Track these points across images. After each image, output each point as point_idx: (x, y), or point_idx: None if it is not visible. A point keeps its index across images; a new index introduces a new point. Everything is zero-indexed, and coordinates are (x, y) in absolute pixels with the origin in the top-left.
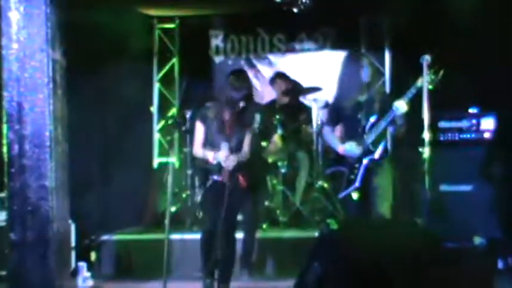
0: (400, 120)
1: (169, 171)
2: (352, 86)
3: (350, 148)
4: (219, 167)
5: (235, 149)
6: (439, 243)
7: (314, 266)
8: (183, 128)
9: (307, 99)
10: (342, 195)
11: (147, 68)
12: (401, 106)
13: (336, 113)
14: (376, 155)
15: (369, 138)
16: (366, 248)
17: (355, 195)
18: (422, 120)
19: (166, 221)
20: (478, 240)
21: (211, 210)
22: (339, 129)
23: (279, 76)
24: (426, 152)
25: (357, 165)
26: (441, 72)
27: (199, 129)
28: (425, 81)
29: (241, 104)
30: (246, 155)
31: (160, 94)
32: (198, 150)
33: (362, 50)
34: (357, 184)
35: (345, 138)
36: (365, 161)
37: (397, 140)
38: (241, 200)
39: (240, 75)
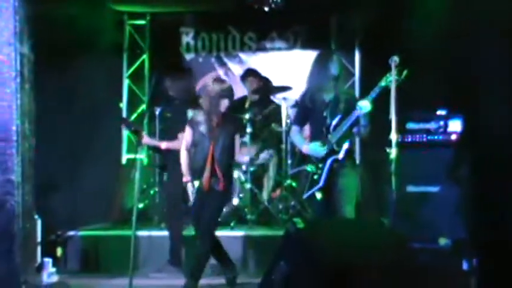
0: (364, 120)
1: (137, 168)
2: (319, 85)
3: (314, 148)
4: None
5: (220, 153)
6: (405, 244)
7: (280, 265)
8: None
9: (277, 98)
10: (306, 195)
11: (116, 63)
12: (365, 105)
13: (303, 112)
14: (340, 155)
15: (333, 138)
16: (332, 247)
17: (319, 195)
18: (389, 121)
19: (133, 218)
20: (443, 241)
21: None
22: (307, 128)
23: (250, 73)
24: (393, 153)
25: (321, 165)
26: (404, 72)
27: (188, 133)
28: (393, 82)
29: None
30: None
31: (130, 90)
32: (183, 155)
33: (332, 49)
34: (320, 184)
35: (312, 137)
36: (329, 161)
37: (363, 141)
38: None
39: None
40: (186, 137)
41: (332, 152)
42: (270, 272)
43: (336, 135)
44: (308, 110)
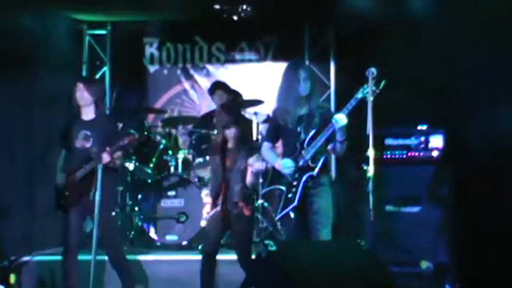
0: (340, 135)
1: (97, 189)
2: (291, 99)
3: (286, 164)
4: None
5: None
6: (384, 267)
7: None
8: None
9: (247, 113)
10: (280, 215)
11: (75, 76)
12: (340, 119)
13: (275, 128)
14: (315, 171)
15: (308, 154)
16: (306, 271)
17: (293, 215)
18: (366, 137)
19: (94, 241)
20: (425, 264)
21: None
22: (280, 145)
23: (219, 86)
24: (370, 170)
25: (295, 183)
26: (382, 83)
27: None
28: (370, 96)
29: None
30: None
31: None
32: None
33: (306, 62)
34: (295, 203)
35: (285, 154)
36: (304, 178)
37: (339, 157)
38: None
39: None
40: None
41: (307, 168)
42: None
43: (310, 151)
44: (280, 126)
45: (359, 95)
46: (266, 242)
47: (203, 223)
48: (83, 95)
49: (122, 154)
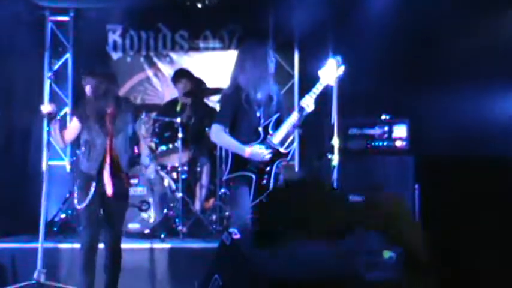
0: (299, 120)
1: (44, 176)
2: (260, 79)
3: (259, 151)
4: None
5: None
6: (348, 256)
7: (215, 279)
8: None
9: (211, 101)
10: (253, 202)
11: (37, 63)
12: (308, 105)
13: (234, 108)
14: (287, 157)
15: (277, 139)
16: (272, 260)
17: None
18: (331, 126)
19: (41, 228)
20: (387, 254)
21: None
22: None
23: (182, 74)
24: (335, 159)
25: (268, 169)
26: (341, 68)
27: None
28: (335, 85)
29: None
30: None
31: (52, 92)
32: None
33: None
34: (270, 189)
35: (245, 139)
36: (275, 165)
37: (303, 145)
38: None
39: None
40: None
41: (278, 154)
42: (203, 286)
43: (279, 137)
44: (240, 107)
45: (323, 82)
46: (231, 229)
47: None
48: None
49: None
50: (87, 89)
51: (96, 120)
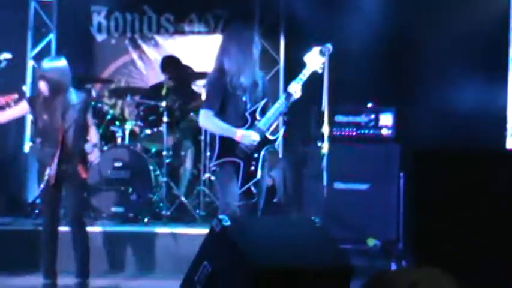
0: (286, 107)
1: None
2: (247, 64)
3: (251, 136)
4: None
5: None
6: (337, 244)
7: (204, 265)
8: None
9: (196, 85)
10: (242, 188)
11: (19, 43)
12: (296, 91)
13: (221, 94)
14: (274, 143)
15: (265, 125)
16: (260, 246)
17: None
18: (321, 113)
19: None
20: (372, 242)
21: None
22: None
23: (170, 60)
24: (325, 147)
25: (255, 155)
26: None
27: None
28: (326, 72)
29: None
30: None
31: (35, 72)
32: None
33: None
34: (258, 176)
35: (230, 123)
36: (263, 151)
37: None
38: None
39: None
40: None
41: (266, 140)
42: (192, 273)
43: (266, 122)
44: (227, 92)
45: (311, 68)
46: (220, 216)
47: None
48: None
49: None
50: (42, 84)
51: (49, 112)
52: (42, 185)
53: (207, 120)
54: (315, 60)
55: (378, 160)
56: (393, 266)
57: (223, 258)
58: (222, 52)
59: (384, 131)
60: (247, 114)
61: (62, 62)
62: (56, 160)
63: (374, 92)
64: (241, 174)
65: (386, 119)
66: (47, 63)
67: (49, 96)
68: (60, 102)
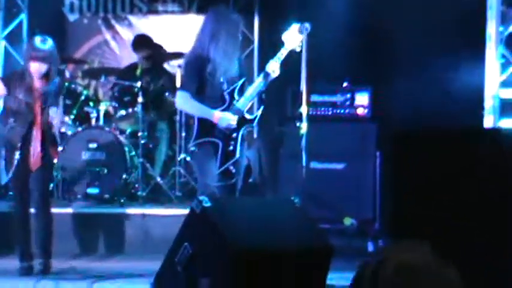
0: (264, 85)
1: None
2: (230, 48)
3: (229, 117)
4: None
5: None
6: (316, 224)
7: (184, 246)
8: None
9: (170, 65)
10: (221, 169)
11: None
12: (275, 70)
13: (199, 76)
14: (253, 123)
15: (243, 105)
16: (240, 227)
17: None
18: (299, 93)
19: None
20: (348, 221)
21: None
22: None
23: (141, 39)
24: (304, 127)
25: (234, 135)
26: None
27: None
28: (304, 51)
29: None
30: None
31: (6, 53)
32: None
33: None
34: (237, 156)
35: (209, 104)
36: (242, 131)
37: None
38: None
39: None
40: None
41: (244, 120)
42: (173, 254)
43: (244, 102)
44: (205, 76)
45: (289, 47)
46: (201, 197)
47: None
48: None
49: None
50: (37, 65)
51: (28, 93)
52: (12, 168)
53: (184, 102)
54: (293, 38)
55: (354, 139)
56: (370, 246)
57: (203, 240)
58: (210, 39)
59: (360, 110)
60: (225, 94)
61: (52, 44)
62: (37, 143)
63: (349, 72)
64: (220, 154)
65: (362, 99)
66: (44, 45)
67: (36, 77)
68: (43, 84)
